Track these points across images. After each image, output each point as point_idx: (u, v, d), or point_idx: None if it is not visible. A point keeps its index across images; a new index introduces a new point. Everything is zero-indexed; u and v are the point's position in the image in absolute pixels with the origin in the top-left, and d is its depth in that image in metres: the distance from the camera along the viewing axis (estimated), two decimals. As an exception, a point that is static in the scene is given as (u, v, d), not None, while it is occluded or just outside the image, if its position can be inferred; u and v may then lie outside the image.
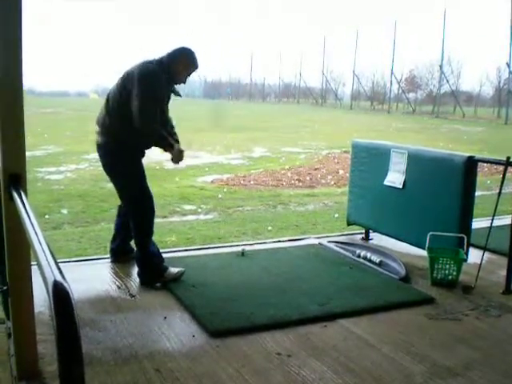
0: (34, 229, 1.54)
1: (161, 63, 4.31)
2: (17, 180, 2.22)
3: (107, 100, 4.35)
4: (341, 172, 11.81)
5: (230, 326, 3.59)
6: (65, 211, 7.97)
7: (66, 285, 1.09)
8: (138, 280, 4.36)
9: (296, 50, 51.74)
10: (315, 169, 12.37)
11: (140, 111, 4.13)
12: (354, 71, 44.74)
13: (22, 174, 2.25)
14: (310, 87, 52.29)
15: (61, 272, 1.16)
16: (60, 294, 1.06)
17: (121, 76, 4.36)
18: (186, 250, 5.32)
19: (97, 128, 4.40)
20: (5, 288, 2.76)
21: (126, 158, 4.34)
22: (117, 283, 4.33)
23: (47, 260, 1.25)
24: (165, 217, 7.62)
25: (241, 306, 3.90)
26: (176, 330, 3.54)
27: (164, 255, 4.52)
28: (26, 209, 1.80)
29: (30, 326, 2.63)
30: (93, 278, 4.43)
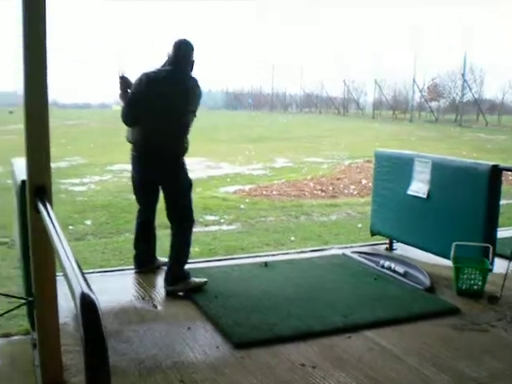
0: (60, 240, 1.55)
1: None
2: (42, 192, 2.24)
3: (163, 110, 4.34)
4: (363, 182, 11.74)
5: (254, 337, 3.59)
6: (88, 222, 8.03)
7: (93, 296, 1.10)
8: (161, 290, 4.38)
9: (317, 59, 51.71)
10: (338, 179, 12.32)
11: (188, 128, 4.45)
12: (375, 80, 44.63)
13: (48, 185, 2.28)
14: (332, 97, 52.19)
15: (87, 283, 1.17)
16: (88, 306, 1.06)
17: (172, 85, 4.38)
18: (209, 261, 5.33)
19: (145, 140, 4.39)
20: (30, 299, 2.78)
21: (184, 169, 4.47)
22: (140, 294, 4.35)
23: (74, 271, 1.26)
24: (188, 227, 7.62)
25: (264, 316, 3.89)
26: (200, 341, 3.54)
27: (187, 266, 4.53)
28: (52, 220, 1.82)
29: (54, 337, 2.65)
30: (117, 289, 4.45)
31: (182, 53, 4.44)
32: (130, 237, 7.00)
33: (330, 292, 4.46)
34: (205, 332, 3.69)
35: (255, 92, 63.22)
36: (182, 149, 4.42)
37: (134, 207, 8.50)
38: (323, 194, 10.64)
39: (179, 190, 4.50)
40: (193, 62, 4.48)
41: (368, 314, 4.01)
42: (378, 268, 5.09)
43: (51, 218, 1.84)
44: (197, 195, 9.63)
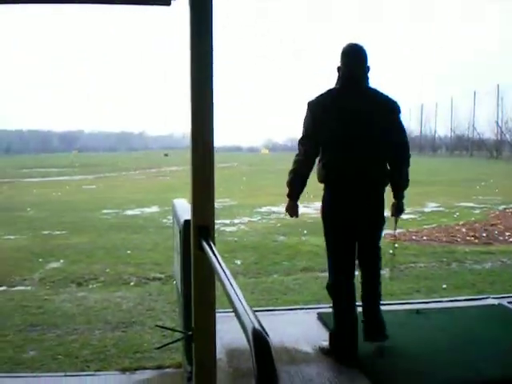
0: (227, 278, 1.62)
1: None
2: (206, 231, 2.35)
3: (357, 135, 3.83)
4: (520, 228, 11.14)
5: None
6: (238, 262, 8.27)
7: (265, 333, 1.14)
8: (310, 333, 4.36)
9: (468, 99, 49.75)
10: (492, 225, 11.76)
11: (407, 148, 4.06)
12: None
13: (211, 225, 2.39)
14: (484, 139, 50.14)
15: (258, 320, 1.21)
16: (260, 342, 1.11)
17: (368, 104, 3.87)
18: (359, 306, 5.26)
19: (341, 175, 3.86)
20: (189, 333, 2.90)
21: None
22: (290, 334, 4.36)
23: (244, 308, 1.32)
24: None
25: (415, 366, 3.77)
26: (349, 386, 3.50)
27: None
28: (218, 259, 1.90)
29: (211, 372, 2.73)
30: (268, 329, 4.49)
31: (359, 64, 3.90)
32: (278, 278, 7.15)
33: (486, 344, 4.23)
34: (354, 378, 3.64)
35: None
36: (385, 178, 3.96)
37: (282, 249, 8.69)
38: (476, 240, 10.20)
39: (380, 228, 4.05)
40: (368, 68, 3.93)
41: (529, 369, 3.76)
42: (539, 321, 4.78)
43: (217, 257, 1.92)
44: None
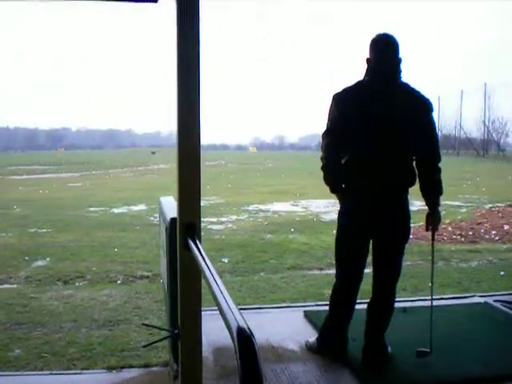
0: (212, 276, 1.62)
1: None
2: (192, 229, 2.35)
3: (383, 135, 3.54)
4: (506, 227, 11.20)
5: (391, 384, 3.50)
6: (225, 260, 8.26)
7: (249, 331, 1.14)
8: (300, 331, 4.36)
9: (454, 99, 50.00)
10: (478, 223, 11.84)
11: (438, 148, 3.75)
12: (518, 122, 42.66)
13: (197, 223, 2.39)
14: (471, 138, 50.42)
15: (243, 318, 1.21)
16: (244, 340, 1.11)
17: (390, 102, 3.57)
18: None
19: (366, 175, 3.58)
20: (176, 331, 2.90)
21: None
22: (277, 333, 4.37)
23: (229, 306, 1.32)
24: (321, 269, 7.63)
25: (401, 364, 3.80)
26: (335, 384, 3.51)
27: (320, 308, 4.52)
28: (204, 257, 1.90)
29: (197, 370, 2.73)
30: (252, 327, 4.50)
31: (391, 54, 3.56)
32: (265, 276, 7.16)
33: (471, 341, 4.26)
34: (340, 376, 3.65)
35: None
36: (411, 180, 3.72)
37: (270, 247, 8.69)
38: (462, 239, 10.27)
39: (404, 238, 3.79)
40: (400, 60, 3.58)
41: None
42: (524, 319, 4.81)
43: (202, 255, 1.92)
44: (331, 237, 9.64)
